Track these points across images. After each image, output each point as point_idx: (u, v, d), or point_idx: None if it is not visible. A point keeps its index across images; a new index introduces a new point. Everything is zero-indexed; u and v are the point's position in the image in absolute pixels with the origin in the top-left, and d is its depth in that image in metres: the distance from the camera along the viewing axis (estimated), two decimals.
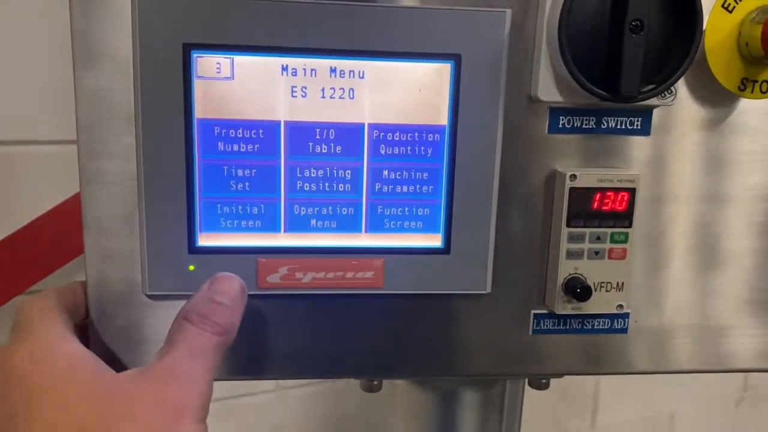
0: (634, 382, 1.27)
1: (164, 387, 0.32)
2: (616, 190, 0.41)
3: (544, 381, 0.50)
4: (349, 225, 0.41)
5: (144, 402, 0.31)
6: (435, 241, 0.42)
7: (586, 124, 0.42)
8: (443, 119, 0.41)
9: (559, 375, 0.47)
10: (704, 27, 0.41)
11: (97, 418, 0.30)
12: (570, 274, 0.42)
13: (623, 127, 0.42)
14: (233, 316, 0.37)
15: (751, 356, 0.47)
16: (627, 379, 1.26)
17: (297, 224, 0.41)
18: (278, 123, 0.39)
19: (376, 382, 0.49)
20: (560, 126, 0.42)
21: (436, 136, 0.41)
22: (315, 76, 0.39)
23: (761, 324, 0.47)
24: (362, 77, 0.39)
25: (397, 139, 0.41)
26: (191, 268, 0.40)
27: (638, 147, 0.43)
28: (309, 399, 1.00)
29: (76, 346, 0.34)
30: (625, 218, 0.42)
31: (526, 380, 0.52)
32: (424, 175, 0.41)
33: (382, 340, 0.43)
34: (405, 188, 0.41)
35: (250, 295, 0.40)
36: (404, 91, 0.40)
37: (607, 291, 0.43)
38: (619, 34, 0.37)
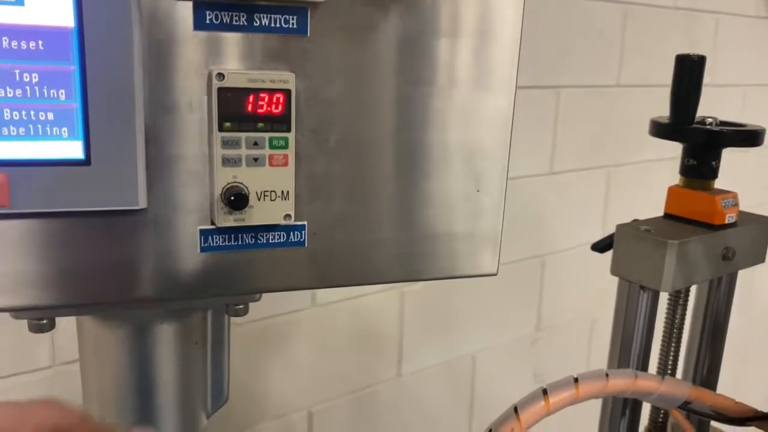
0: (436, 329, 1.31)
1: None
2: (270, 91, 0.39)
3: (240, 306, 0.47)
4: None
5: None
6: (74, 151, 0.38)
7: (236, 21, 0.39)
8: (67, 17, 0.36)
9: (246, 296, 0.45)
10: None
11: None
12: (229, 183, 0.40)
13: (278, 25, 0.40)
14: None
15: (444, 266, 0.48)
16: (429, 326, 1.30)
17: None
18: None
19: (45, 321, 0.44)
20: (207, 22, 0.38)
21: (62, 36, 0.36)
22: None
23: (451, 236, 0.47)
24: None
25: (14, 38, 0.35)
26: None
27: (298, 47, 0.41)
28: None
29: None
30: (282, 122, 0.40)
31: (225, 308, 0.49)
32: (54, 77, 0.37)
33: (20, 268, 0.38)
34: (30, 91, 0.36)
35: None
36: None
37: (272, 200, 0.41)
38: None
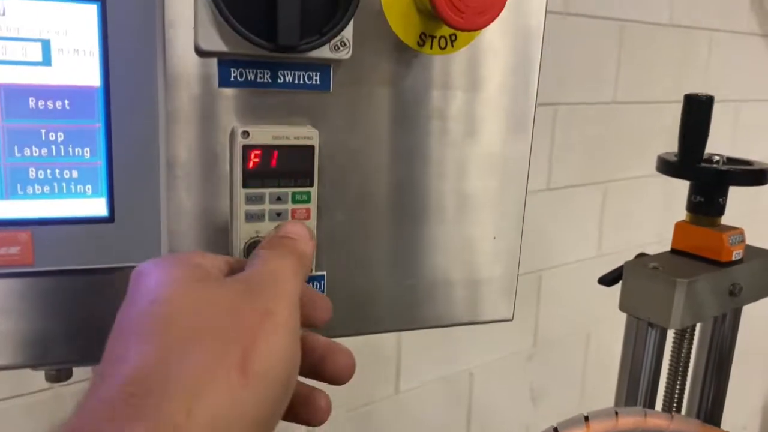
0: (435, 345, 1.32)
1: (250, 298, 0.30)
2: (294, 147, 0.39)
3: None
4: None
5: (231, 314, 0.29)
6: (98, 208, 0.38)
7: (260, 78, 0.39)
8: (94, 77, 0.36)
9: None
10: None
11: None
12: (252, 238, 0.40)
13: (301, 81, 0.40)
14: (305, 246, 0.34)
15: (461, 312, 0.48)
16: (427, 342, 1.30)
17: None
18: None
19: (62, 371, 0.44)
20: (232, 79, 0.39)
21: (88, 95, 0.36)
22: None
23: (467, 283, 0.48)
24: None
25: (40, 98, 0.35)
26: None
27: (321, 103, 0.41)
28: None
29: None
30: (306, 177, 0.40)
31: None
32: (79, 136, 0.37)
33: (44, 326, 0.38)
34: (56, 150, 0.36)
35: None
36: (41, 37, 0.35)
37: None
38: None
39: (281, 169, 0.39)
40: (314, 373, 0.35)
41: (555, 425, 0.57)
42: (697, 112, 0.60)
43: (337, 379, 0.35)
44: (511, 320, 0.49)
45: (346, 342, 0.45)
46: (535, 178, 1.36)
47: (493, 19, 0.39)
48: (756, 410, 2.00)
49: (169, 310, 0.29)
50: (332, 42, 0.38)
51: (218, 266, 0.33)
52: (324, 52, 0.38)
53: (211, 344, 0.28)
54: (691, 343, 0.66)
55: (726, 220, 0.67)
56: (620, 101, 1.46)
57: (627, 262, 0.63)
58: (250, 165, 0.39)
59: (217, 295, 0.30)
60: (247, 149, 0.38)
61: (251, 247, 0.40)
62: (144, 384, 0.26)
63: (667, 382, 0.67)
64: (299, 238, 0.34)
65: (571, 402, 1.59)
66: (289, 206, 0.40)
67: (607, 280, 0.66)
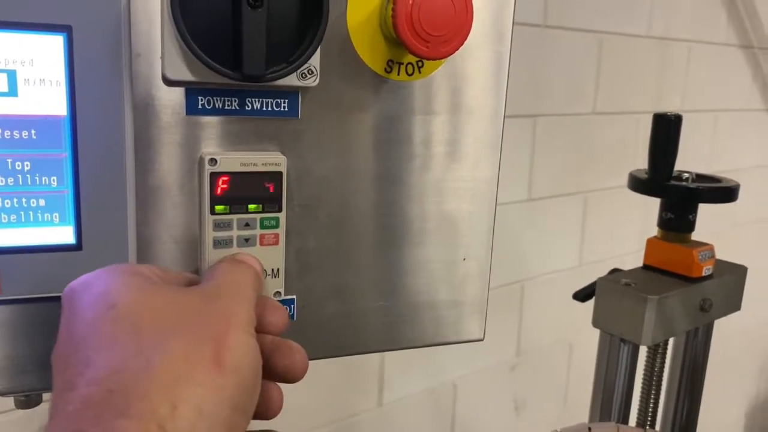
0: (418, 356, 1.32)
1: (214, 302, 0.33)
2: (262, 174, 0.40)
3: None
4: None
5: (196, 314, 0.32)
6: (65, 236, 0.38)
7: (228, 105, 0.39)
8: (60, 106, 0.36)
9: None
10: (346, 5, 0.40)
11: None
12: None
13: (269, 108, 0.40)
14: (260, 270, 0.39)
15: (433, 333, 0.48)
16: (410, 354, 1.30)
17: None
18: None
19: (32, 396, 0.44)
20: (200, 107, 0.39)
21: (54, 124, 0.36)
22: None
23: (438, 304, 0.48)
24: None
25: (6, 128, 0.36)
26: None
27: (289, 129, 0.41)
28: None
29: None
30: (274, 203, 0.40)
31: None
32: (46, 164, 0.37)
33: (11, 353, 0.38)
34: (22, 179, 0.36)
35: None
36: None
37: None
38: (238, 9, 0.35)
39: (249, 195, 0.40)
40: (265, 373, 0.35)
41: None
42: (665, 131, 0.61)
43: (290, 375, 0.37)
44: (482, 340, 0.50)
45: (325, 361, 0.46)
46: (517, 188, 1.37)
47: (457, 48, 0.39)
48: (738, 421, 2.02)
49: (133, 312, 0.30)
50: (299, 70, 0.39)
51: (156, 273, 0.35)
52: (291, 80, 0.38)
53: (183, 341, 0.29)
54: (664, 358, 0.67)
55: (699, 232, 0.69)
56: (600, 112, 1.48)
57: (600, 279, 0.64)
58: (218, 191, 0.39)
59: (181, 298, 0.32)
60: (214, 176, 0.39)
61: None
62: (122, 381, 0.27)
63: (641, 397, 0.68)
64: (256, 263, 0.38)
65: (554, 412, 1.60)
66: (258, 232, 0.40)
67: (581, 296, 0.67)
